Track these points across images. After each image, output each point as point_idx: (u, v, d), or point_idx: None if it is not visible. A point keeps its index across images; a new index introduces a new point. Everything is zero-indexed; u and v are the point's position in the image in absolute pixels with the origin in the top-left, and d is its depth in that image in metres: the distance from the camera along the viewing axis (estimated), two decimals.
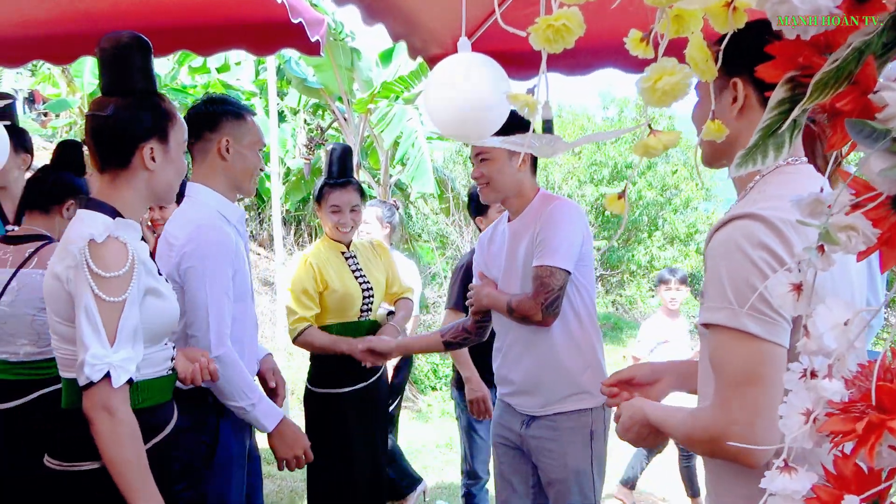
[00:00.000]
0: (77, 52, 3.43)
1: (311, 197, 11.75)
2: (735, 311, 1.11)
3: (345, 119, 9.07)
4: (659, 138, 0.72)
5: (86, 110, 2.91)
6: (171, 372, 1.78)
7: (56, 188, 2.56)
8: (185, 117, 2.19)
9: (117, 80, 1.66)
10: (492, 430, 2.66)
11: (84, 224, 1.58)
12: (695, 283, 19.83)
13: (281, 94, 11.78)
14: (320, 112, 12.41)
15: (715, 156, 1.36)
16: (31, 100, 14.46)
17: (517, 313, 2.32)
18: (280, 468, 2.30)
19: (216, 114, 2.25)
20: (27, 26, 3.19)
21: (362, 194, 3.15)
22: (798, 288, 0.74)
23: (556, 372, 2.36)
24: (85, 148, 1.91)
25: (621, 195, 0.77)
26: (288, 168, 11.55)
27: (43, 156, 10.47)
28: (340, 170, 3.09)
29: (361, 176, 9.21)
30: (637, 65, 3.27)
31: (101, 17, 3.16)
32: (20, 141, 3.15)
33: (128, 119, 1.64)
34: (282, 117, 11.64)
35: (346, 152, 3.14)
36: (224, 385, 2.09)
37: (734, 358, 1.13)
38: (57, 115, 11.40)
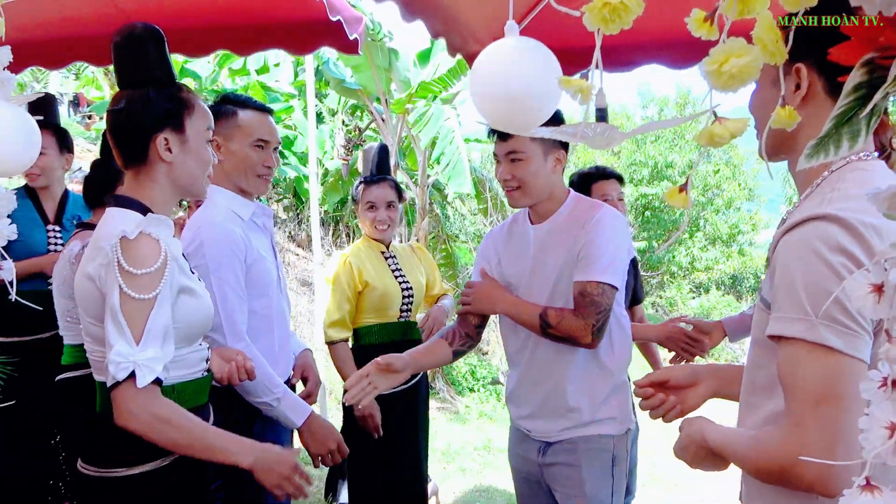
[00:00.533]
0: None
1: (349, 198, 11.86)
2: (812, 321, 1.00)
3: (382, 120, 9.07)
4: (725, 126, 0.66)
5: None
6: (206, 373, 1.74)
7: (112, 179, 2.60)
8: None
9: (131, 72, 1.62)
10: (510, 462, 2.43)
11: (115, 221, 1.54)
12: (737, 286, 19.55)
13: (320, 96, 11.85)
14: (358, 113, 12.45)
15: (774, 149, 1.23)
16: (75, 103, 14.77)
17: (558, 331, 2.05)
18: (315, 465, 2.26)
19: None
20: (68, 28, 3.21)
21: (399, 192, 3.13)
22: (879, 289, 0.67)
23: (581, 395, 2.15)
24: None
25: (683, 188, 0.71)
26: (326, 169, 11.60)
27: (88, 157, 10.69)
28: (377, 168, 3.09)
29: (399, 176, 9.20)
30: (681, 60, 3.19)
31: (141, 18, 3.17)
32: (63, 141, 3.19)
33: (138, 111, 1.59)
34: (320, 119, 11.69)
35: (381, 151, 3.15)
36: (245, 382, 2.06)
37: (810, 374, 1.01)
38: (101, 118, 11.61)
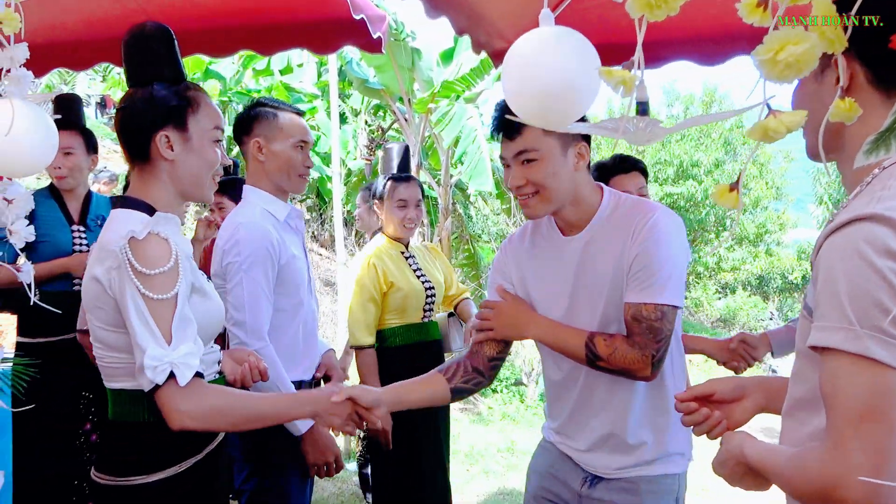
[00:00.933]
0: None
1: (372, 195, 11.85)
2: (855, 331, 0.92)
3: (405, 119, 9.05)
4: (781, 119, 0.62)
5: None
6: (218, 375, 1.70)
7: None
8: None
9: (139, 70, 1.59)
10: (533, 480, 2.04)
11: (120, 223, 1.50)
12: (763, 286, 19.29)
13: (343, 97, 11.87)
14: (381, 113, 12.45)
15: (818, 147, 1.17)
16: (102, 104, 14.94)
17: (610, 364, 1.70)
18: (310, 475, 2.25)
19: (248, 117, 2.33)
20: (94, 30, 3.22)
21: (422, 191, 3.13)
22: None
23: (645, 430, 1.84)
24: None
25: (733, 187, 0.66)
26: (349, 169, 11.62)
27: (114, 158, 10.79)
28: (403, 166, 3.09)
29: (422, 176, 9.18)
30: (710, 56, 3.13)
31: (165, 19, 3.16)
32: (90, 142, 3.20)
33: (140, 108, 1.55)
34: (343, 119, 11.71)
35: (405, 149, 3.14)
36: (258, 384, 2.03)
37: (854, 389, 0.93)
38: None
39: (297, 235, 2.39)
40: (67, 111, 3.05)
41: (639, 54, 0.62)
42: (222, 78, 11.16)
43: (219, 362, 1.70)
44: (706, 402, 1.42)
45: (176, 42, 1.61)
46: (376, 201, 3.13)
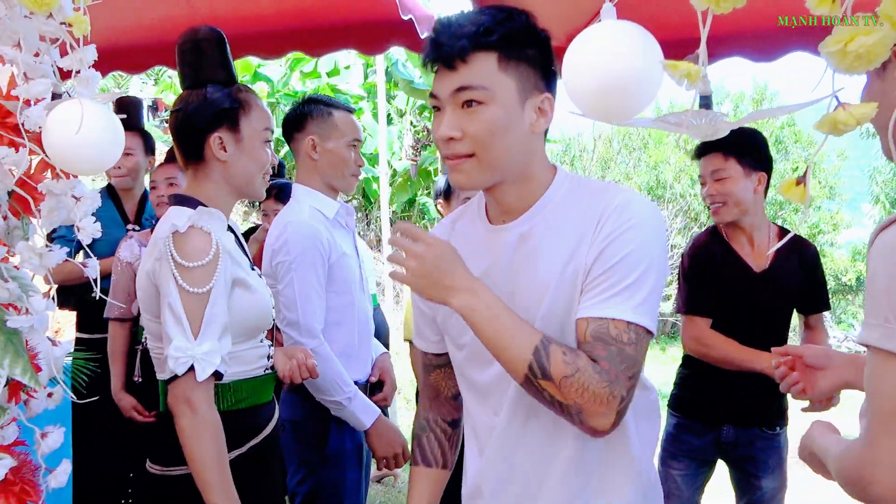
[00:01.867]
0: None
1: (416, 197, 11.92)
2: (891, 329, 0.92)
3: None
4: (850, 112, 0.60)
5: None
6: (268, 371, 1.72)
7: None
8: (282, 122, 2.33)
9: (193, 73, 1.64)
10: None
11: (170, 218, 1.55)
12: None
13: (389, 98, 11.94)
14: (427, 114, 12.48)
15: (888, 146, 1.13)
16: (154, 108, 15.27)
17: (561, 392, 1.12)
18: (379, 468, 2.27)
19: (302, 114, 2.31)
20: (148, 34, 3.30)
21: None
22: None
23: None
24: None
25: (801, 180, 0.65)
26: (394, 170, 11.68)
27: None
28: None
29: None
30: (764, 52, 3.07)
31: (217, 22, 3.23)
32: (148, 144, 3.29)
33: (195, 110, 1.60)
34: (389, 120, 11.78)
35: None
36: (317, 380, 2.05)
37: (887, 386, 0.94)
38: None
39: (348, 233, 2.38)
40: (127, 113, 3.13)
41: (703, 48, 0.61)
42: (270, 80, 11.32)
43: (269, 357, 1.72)
44: (796, 362, 1.50)
45: (228, 45, 1.65)
46: (440, 200, 3.12)
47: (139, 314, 2.98)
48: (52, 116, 0.94)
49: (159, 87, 11.80)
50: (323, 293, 2.19)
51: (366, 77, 10.88)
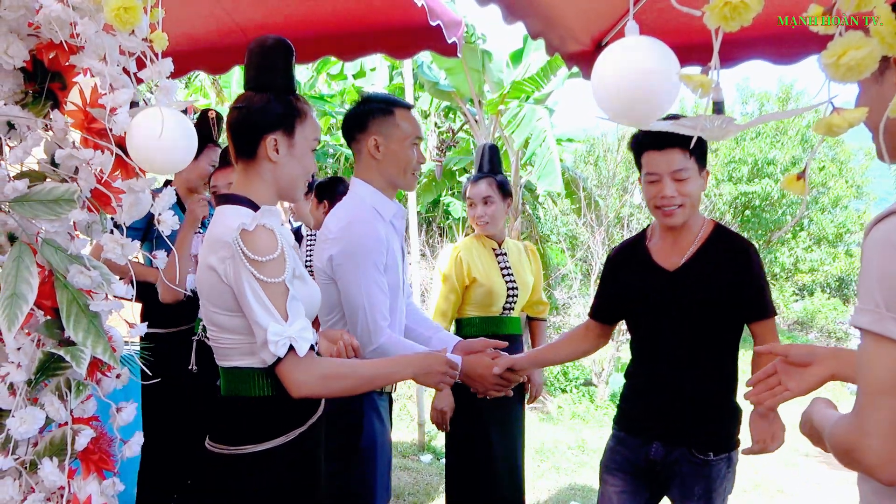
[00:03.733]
0: (231, 62, 3.66)
1: (440, 198, 12.03)
2: (881, 314, 1.03)
3: (475, 121, 9.16)
4: (843, 116, 0.69)
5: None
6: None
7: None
8: (342, 120, 2.38)
9: (257, 77, 1.75)
10: None
11: (227, 217, 1.65)
12: (843, 289, 18.61)
13: (413, 99, 12.06)
14: (451, 115, 12.59)
15: (893, 146, 1.20)
16: (184, 112, 15.55)
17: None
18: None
19: (363, 113, 2.30)
20: (187, 40, 3.44)
21: (501, 188, 3.18)
22: None
23: None
24: None
25: (801, 175, 0.74)
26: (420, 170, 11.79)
27: None
28: (488, 166, 3.20)
29: None
30: (784, 55, 3.13)
31: (255, 29, 3.37)
32: (224, 158, 3.46)
33: (256, 110, 1.71)
34: None
35: (490, 150, 3.27)
36: (387, 350, 2.17)
37: (875, 366, 1.06)
38: None
39: (398, 236, 2.39)
40: (204, 127, 3.28)
41: (715, 60, 0.71)
42: (297, 82, 11.47)
43: (314, 345, 1.83)
44: (782, 362, 1.55)
45: (293, 56, 1.77)
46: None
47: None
48: (136, 122, 1.06)
49: (189, 90, 12.01)
50: (385, 291, 2.21)
51: (391, 79, 11.00)
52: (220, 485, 1.68)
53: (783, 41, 3.03)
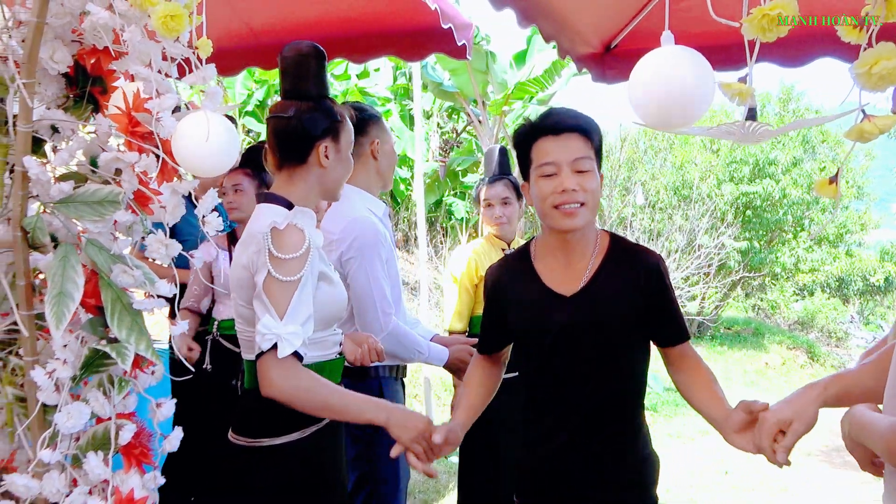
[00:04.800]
0: (242, 64, 3.70)
1: (443, 198, 12.06)
2: None
3: (479, 122, 9.20)
4: (875, 123, 0.73)
5: (236, 119, 3.23)
6: (339, 356, 1.89)
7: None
8: None
9: (296, 85, 1.80)
10: None
11: (264, 216, 1.71)
12: (843, 289, 18.63)
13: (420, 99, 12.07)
14: (454, 115, 12.62)
15: None
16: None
17: None
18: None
19: (364, 119, 2.48)
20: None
21: (517, 190, 3.27)
22: None
23: None
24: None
25: (833, 179, 0.77)
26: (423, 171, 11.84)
27: None
28: (498, 168, 3.28)
29: None
30: (793, 59, 3.16)
31: (269, 33, 3.41)
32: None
33: (307, 120, 1.77)
34: (414, 121, 11.95)
35: (501, 152, 3.35)
36: (400, 350, 2.35)
37: None
38: None
39: (389, 233, 2.55)
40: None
41: (750, 68, 0.74)
42: None
43: (339, 343, 1.88)
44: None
45: (326, 61, 1.82)
46: (477, 205, 3.35)
47: (209, 309, 3.23)
48: (182, 126, 1.09)
49: (193, 90, 12.04)
50: (388, 278, 2.38)
51: (394, 80, 11.04)
52: (241, 476, 1.73)
53: (791, 44, 3.07)
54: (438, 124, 12.58)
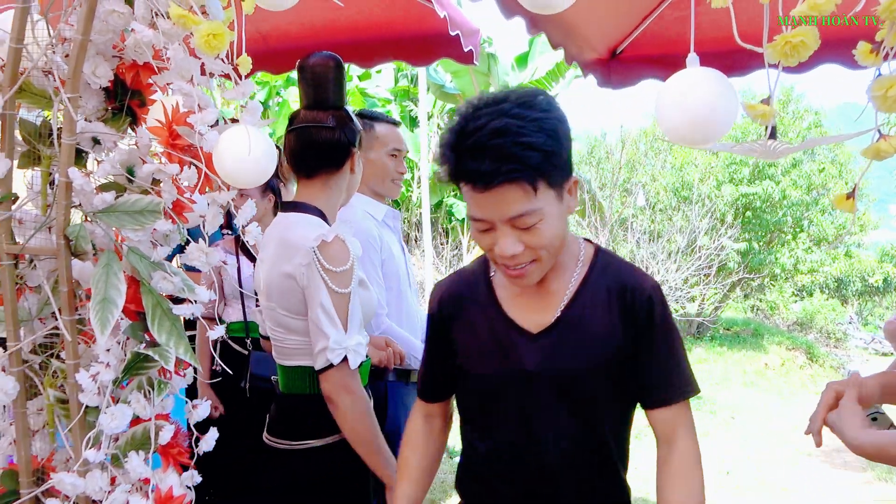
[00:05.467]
0: (253, 69, 3.74)
1: (443, 199, 12.10)
2: None
3: None
4: (890, 143, 0.78)
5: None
6: (367, 358, 1.94)
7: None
8: None
9: (320, 95, 1.85)
10: None
11: (300, 226, 1.75)
12: (842, 289, 18.70)
13: (414, 101, 12.13)
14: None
15: None
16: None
17: None
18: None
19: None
20: None
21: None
22: None
23: None
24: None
25: (850, 195, 0.82)
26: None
27: None
28: None
29: None
30: (797, 65, 3.22)
31: (279, 38, 3.45)
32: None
33: (344, 128, 1.84)
34: (415, 122, 11.99)
35: None
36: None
37: None
38: None
39: (395, 234, 2.63)
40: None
41: (774, 89, 0.79)
42: None
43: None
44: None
45: (344, 71, 1.87)
46: None
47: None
48: (224, 140, 1.14)
49: None
50: (381, 279, 2.44)
51: (396, 81, 11.08)
52: (277, 478, 1.79)
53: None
54: (439, 125, 12.61)
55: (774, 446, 7.23)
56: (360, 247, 1.86)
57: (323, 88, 1.83)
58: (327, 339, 1.65)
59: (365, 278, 1.85)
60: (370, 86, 11.06)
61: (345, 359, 1.66)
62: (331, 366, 1.66)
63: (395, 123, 2.68)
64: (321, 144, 1.82)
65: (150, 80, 1.24)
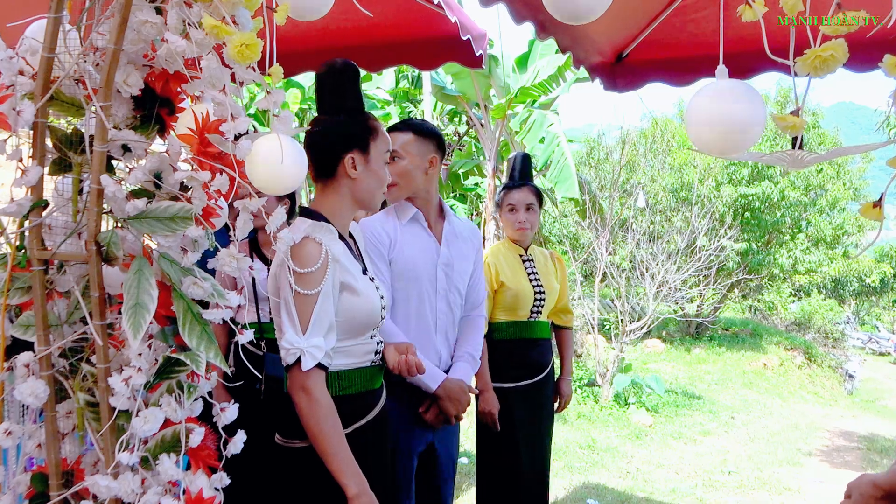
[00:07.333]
0: (261, 71, 3.75)
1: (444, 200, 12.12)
2: None
3: (481, 125, 9.27)
4: None
5: None
6: (375, 363, 1.95)
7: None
8: None
9: (331, 100, 1.90)
10: None
11: (293, 229, 1.80)
12: (839, 290, 18.75)
13: (415, 102, 12.17)
14: (456, 118, 12.69)
15: None
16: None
17: None
18: (452, 423, 2.50)
19: None
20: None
21: (539, 196, 3.34)
22: None
23: None
24: None
25: (877, 204, 0.84)
26: None
27: None
28: (519, 174, 3.32)
29: (498, 180, 9.40)
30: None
31: (287, 41, 3.46)
32: None
33: (333, 133, 1.87)
34: None
35: (523, 159, 3.40)
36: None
37: None
38: None
39: (423, 229, 2.52)
40: None
41: (802, 104, 0.82)
42: (302, 87, 11.59)
43: (376, 353, 1.95)
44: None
45: (360, 77, 1.91)
46: (498, 209, 3.40)
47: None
48: (257, 148, 1.16)
49: None
50: (385, 277, 2.40)
51: (397, 83, 11.10)
52: (288, 476, 1.82)
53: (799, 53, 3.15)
54: (439, 126, 12.65)
55: (775, 446, 7.27)
56: (344, 251, 1.87)
57: (328, 93, 1.88)
58: (282, 337, 1.71)
59: (355, 285, 1.84)
60: (370, 87, 11.08)
61: (298, 360, 1.69)
62: (288, 366, 1.71)
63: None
64: (310, 149, 1.87)
65: (181, 89, 1.26)
